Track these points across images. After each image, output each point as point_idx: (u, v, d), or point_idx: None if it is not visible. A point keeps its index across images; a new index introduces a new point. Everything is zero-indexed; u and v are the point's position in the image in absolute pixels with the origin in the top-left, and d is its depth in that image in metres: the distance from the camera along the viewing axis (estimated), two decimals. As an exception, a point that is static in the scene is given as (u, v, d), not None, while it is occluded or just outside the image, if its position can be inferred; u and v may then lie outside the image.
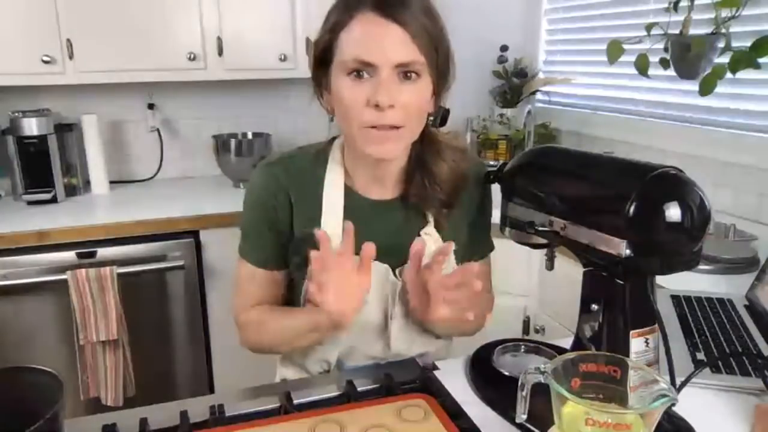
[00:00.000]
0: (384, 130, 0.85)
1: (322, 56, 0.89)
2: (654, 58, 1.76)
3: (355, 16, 0.84)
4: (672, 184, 0.74)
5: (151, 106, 2.47)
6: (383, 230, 0.96)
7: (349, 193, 0.97)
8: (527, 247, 0.98)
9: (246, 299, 1.02)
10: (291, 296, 1.04)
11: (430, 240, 0.97)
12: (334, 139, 1.02)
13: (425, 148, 0.96)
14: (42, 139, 2.14)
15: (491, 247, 1.11)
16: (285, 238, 0.98)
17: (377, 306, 0.98)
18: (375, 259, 0.86)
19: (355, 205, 0.97)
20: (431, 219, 0.99)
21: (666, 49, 1.75)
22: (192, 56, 2.18)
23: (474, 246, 1.07)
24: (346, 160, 0.98)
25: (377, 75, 0.83)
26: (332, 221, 0.94)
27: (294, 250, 0.98)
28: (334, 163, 0.98)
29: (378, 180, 0.98)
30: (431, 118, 0.94)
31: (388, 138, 0.86)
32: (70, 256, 1.91)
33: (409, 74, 0.85)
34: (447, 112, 0.95)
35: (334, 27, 0.86)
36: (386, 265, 0.96)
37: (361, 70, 0.84)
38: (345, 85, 0.85)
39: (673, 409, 0.76)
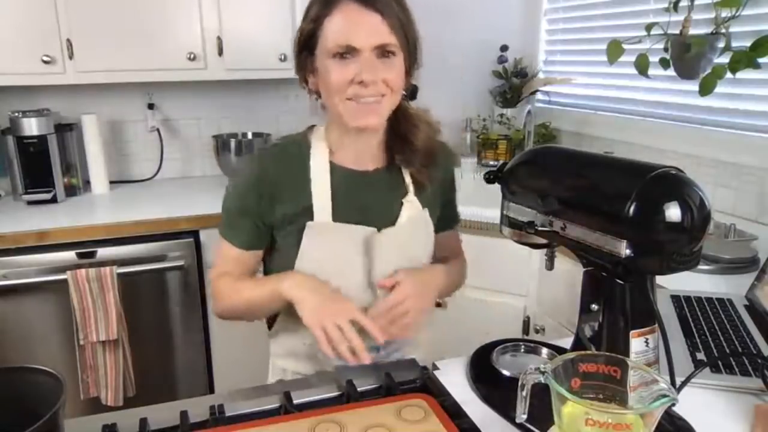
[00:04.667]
0: (367, 102, 0.97)
1: (306, 43, 1.00)
2: (654, 58, 1.76)
3: (338, 7, 0.95)
4: (672, 184, 0.74)
5: (151, 106, 2.47)
6: (369, 198, 1.07)
7: (335, 168, 1.07)
8: (527, 247, 0.98)
9: (222, 271, 1.12)
10: (282, 263, 1.09)
11: (411, 206, 1.10)
12: (312, 127, 1.12)
13: (401, 120, 1.08)
14: (42, 139, 2.14)
15: (458, 219, 1.28)
16: (268, 223, 1.06)
17: (360, 267, 1.06)
18: (359, 224, 1.03)
19: (341, 178, 1.06)
20: (411, 188, 1.10)
21: (666, 49, 1.75)
22: (192, 56, 2.18)
23: (447, 220, 1.22)
24: (331, 139, 1.08)
25: (359, 56, 0.95)
26: (321, 193, 1.04)
27: (286, 230, 1.06)
28: (318, 144, 1.08)
29: (360, 153, 1.08)
30: (404, 93, 1.05)
31: (370, 110, 0.98)
32: (70, 256, 1.91)
33: (386, 53, 0.97)
34: (416, 88, 1.08)
35: (317, 17, 0.97)
36: (373, 228, 1.05)
37: (345, 53, 0.95)
38: (331, 66, 0.96)
39: (673, 409, 0.76)
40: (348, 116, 0.99)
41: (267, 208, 1.05)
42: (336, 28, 0.95)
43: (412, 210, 1.10)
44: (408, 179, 1.11)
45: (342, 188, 1.05)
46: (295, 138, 1.10)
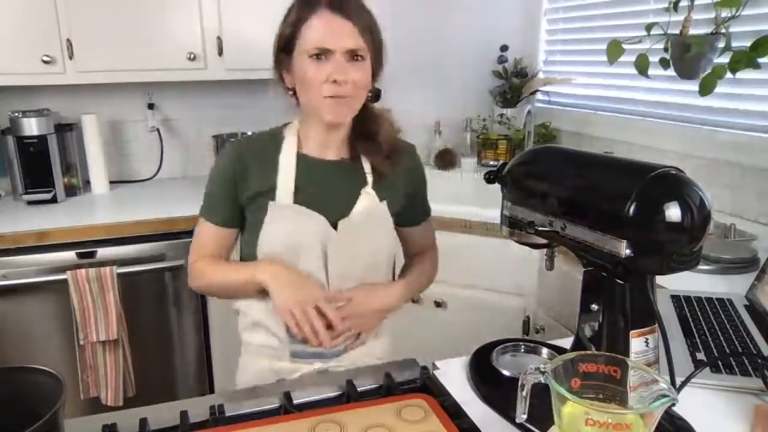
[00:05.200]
0: (338, 100, 1.07)
1: (285, 45, 1.11)
2: (654, 58, 1.76)
3: (315, 13, 1.06)
4: (672, 184, 0.74)
5: (151, 106, 2.47)
6: (328, 186, 1.17)
7: (302, 157, 1.17)
8: (527, 247, 0.98)
9: (201, 251, 1.21)
10: (250, 240, 1.18)
11: (368, 197, 1.17)
12: (288, 123, 1.22)
13: (364, 117, 1.17)
14: (42, 139, 2.14)
15: (429, 212, 1.33)
16: (241, 201, 1.16)
17: (314, 254, 1.13)
18: (318, 211, 1.12)
19: (305, 165, 1.17)
20: (370, 180, 1.18)
21: (666, 49, 1.75)
22: (192, 56, 2.18)
23: (417, 214, 1.30)
24: (301, 132, 1.19)
25: (333, 58, 1.06)
26: (285, 178, 1.15)
27: (254, 206, 1.16)
28: (290, 136, 1.19)
29: (326, 144, 1.18)
30: (369, 94, 1.15)
31: (341, 105, 1.09)
32: (70, 256, 1.91)
33: (356, 57, 1.07)
34: (379, 91, 1.19)
35: (295, 22, 1.08)
36: (323, 218, 1.13)
37: (320, 54, 1.06)
38: (308, 66, 1.07)
39: (673, 409, 0.76)
40: (323, 110, 1.09)
41: (240, 187, 1.15)
42: (313, 32, 1.06)
43: (369, 201, 1.17)
44: (368, 171, 1.19)
45: (305, 175, 1.15)
46: (272, 131, 1.22)
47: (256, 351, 1.22)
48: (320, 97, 1.07)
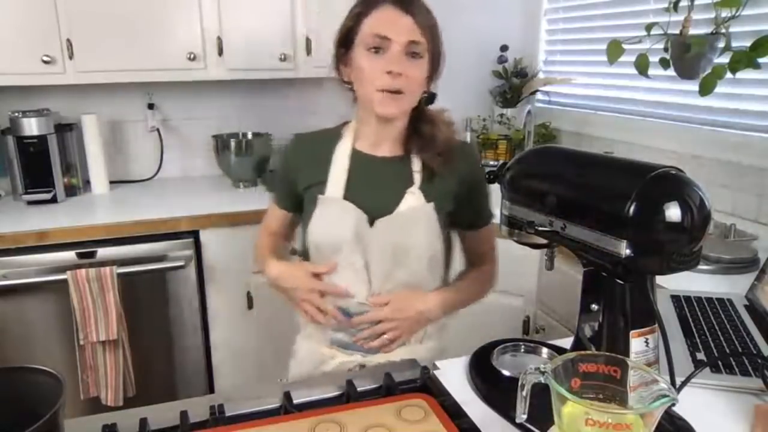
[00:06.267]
0: (392, 94, 1.08)
1: (345, 38, 1.14)
2: (654, 58, 1.76)
3: (377, 8, 1.09)
4: (672, 184, 0.74)
5: (151, 106, 2.47)
6: (378, 182, 1.17)
7: (356, 153, 1.20)
8: (527, 247, 0.98)
9: (265, 229, 1.34)
10: (305, 227, 1.23)
11: (413, 197, 1.15)
12: (346, 123, 1.26)
13: (421, 118, 1.19)
14: (42, 139, 2.14)
15: (488, 219, 1.27)
16: (297, 191, 1.23)
17: (354, 250, 1.14)
18: (365, 207, 1.13)
19: (359, 161, 1.19)
20: (417, 179, 1.17)
21: (666, 49, 1.75)
22: (192, 56, 2.18)
23: (473, 219, 1.25)
24: (357, 128, 1.21)
25: (390, 51, 1.07)
26: (337, 172, 1.18)
27: (307, 197, 1.21)
28: (346, 133, 1.23)
29: (379, 141, 1.19)
30: (425, 95, 1.16)
31: (393, 99, 1.09)
32: (70, 256, 1.91)
33: (414, 54, 1.08)
34: (434, 95, 1.20)
35: (357, 16, 1.11)
36: (363, 215, 1.14)
37: (378, 46, 1.07)
38: (366, 57, 1.09)
39: (673, 409, 0.76)
40: (377, 104, 1.10)
41: (296, 178, 1.22)
42: (373, 24, 1.08)
43: (414, 201, 1.15)
44: (417, 170, 1.17)
45: (356, 170, 1.17)
46: (331, 129, 1.26)
47: (307, 335, 1.27)
48: (374, 89, 1.09)
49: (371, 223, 1.13)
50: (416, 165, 1.17)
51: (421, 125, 1.18)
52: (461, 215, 1.21)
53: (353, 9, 1.13)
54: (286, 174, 1.25)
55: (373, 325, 1.15)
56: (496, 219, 1.00)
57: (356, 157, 1.19)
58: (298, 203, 1.24)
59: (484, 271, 1.28)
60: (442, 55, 1.15)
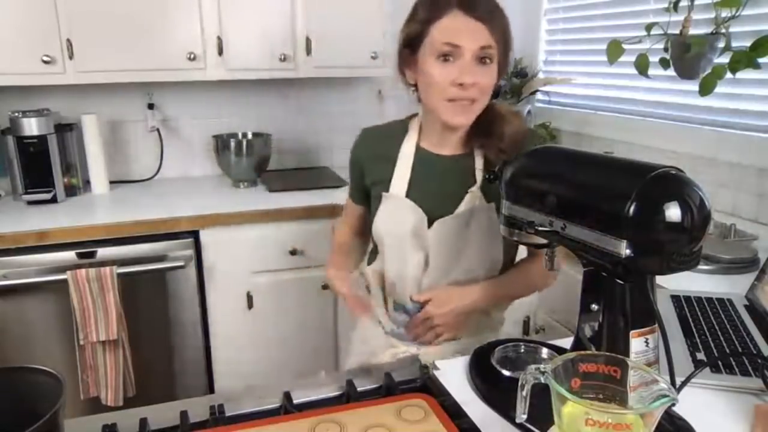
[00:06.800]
0: (462, 103, 1.08)
1: (411, 41, 1.11)
2: (654, 58, 1.76)
3: (447, 14, 1.05)
4: (672, 184, 0.74)
5: (151, 106, 2.47)
6: (440, 181, 1.17)
7: (420, 150, 1.20)
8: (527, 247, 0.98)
9: (342, 219, 1.41)
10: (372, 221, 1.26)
11: (473, 197, 1.15)
12: (414, 115, 1.25)
13: (488, 113, 1.14)
14: (42, 139, 2.14)
15: None
16: (366, 185, 1.26)
17: (414, 249, 1.17)
18: (427, 206, 1.15)
19: (423, 160, 1.19)
20: (479, 178, 1.15)
21: (666, 49, 1.75)
22: (192, 56, 2.18)
23: None
24: (422, 125, 1.21)
25: (461, 59, 1.05)
26: (402, 170, 1.19)
27: (374, 193, 1.24)
28: (412, 129, 1.22)
29: (444, 140, 1.18)
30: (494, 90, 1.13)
31: (465, 110, 1.09)
32: (70, 256, 1.91)
33: (484, 60, 1.06)
34: (500, 88, 1.19)
35: (426, 20, 1.07)
36: (423, 214, 1.15)
37: (448, 54, 1.05)
38: (435, 66, 1.07)
39: (673, 409, 0.76)
40: (445, 114, 1.09)
41: (364, 174, 1.25)
42: (444, 30, 1.05)
43: (475, 201, 1.14)
44: (479, 169, 1.15)
45: (420, 169, 1.18)
46: (398, 122, 1.26)
47: (364, 327, 1.32)
48: (442, 99, 1.08)
49: (430, 223, 1.15)
50: (479, 163, 1.16)
51: (487, 121, 1.15)
52: None
53: (418, 12, 1.10)
54: (355, 169, 1.28)
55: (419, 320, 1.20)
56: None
57: (420, 155, 1.19)
58: (368, 197, 1.26)
59: (532, 265, 1.25)
60: (511, 52, 1.13)
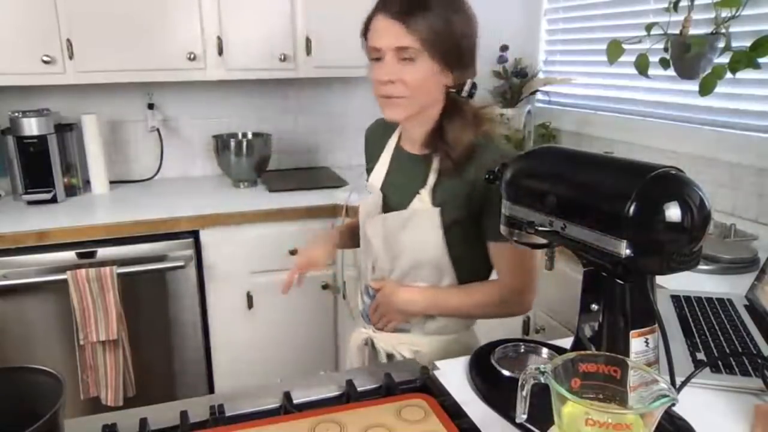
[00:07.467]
0: (391, 100, 1.11)
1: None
2: (654, 58, 1.76)
3: (374, 17, 1.12)
4: (672, 184, 0.74)
5: (151, 106, 2.47)
6: (403, 178, 1.22)
7: (398, 145, 1.27)
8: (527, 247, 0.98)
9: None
10: None
11: (420, 199, 1.16)
12: None
13: (447, 112, 1.16)
14: (42, 139, 2.14)
15: (494, 236, 1.07)
16: (368, 168, 1.33)
17: (370, 238, 1.24)
18: (392, 200, 1.22)
19: (397, 155, 1.26)
20: (430, 181, 1.15)
21: (666, 49, 1.75)
22: (192, 56, 2.18)
23: (483, 230, 1.14)
24: None
25: (384, 59, 1.09)
26: (381, 162, 1.28)
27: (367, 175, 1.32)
28: (399, 127, 1.28)
29: (408, 138, 1.24)
30: (452, 90, 1.15)
31: (393, 105, 1.12)
32: (70, 256, 1.91)
33: (405, 58, 1.08)
34: (474, 86, 1.17)
35: (364, 28, 1.15)
36: (380, 208, 1.22)
37: (376, 57, 1.11)
38: (370, 66, 1.14)
39: (673, 409, 0.76)
40: (382, 111, 1.15)
41: (366, 156, 1.35)
42: (370, 36, 1.12)
43: (420, 203, 1.16)
44: (434, 170, 1.15)
45: (394, 164, 1.25)
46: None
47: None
48: (378, 97, 1.13)
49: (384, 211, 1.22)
50: (436, 164, 1.15)
51: (446, 123, 1.15)
52: (471, 228, 1.14)
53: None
54: (365, 151, 1.37)
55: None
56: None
57: (397, 150, 1.27)
58: None
59: (489, 286, 1.18)
60: (461, 48, 1.15)
